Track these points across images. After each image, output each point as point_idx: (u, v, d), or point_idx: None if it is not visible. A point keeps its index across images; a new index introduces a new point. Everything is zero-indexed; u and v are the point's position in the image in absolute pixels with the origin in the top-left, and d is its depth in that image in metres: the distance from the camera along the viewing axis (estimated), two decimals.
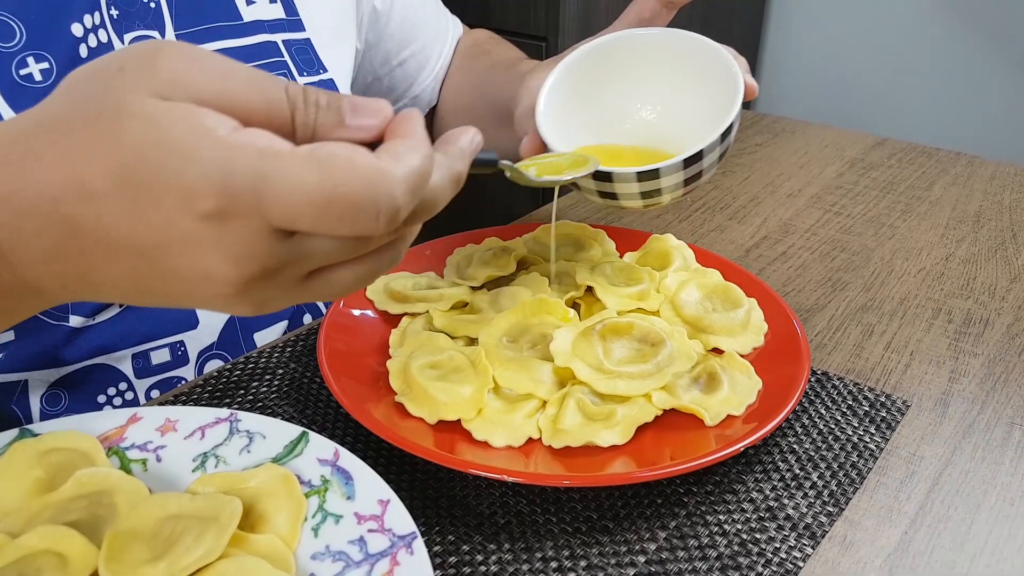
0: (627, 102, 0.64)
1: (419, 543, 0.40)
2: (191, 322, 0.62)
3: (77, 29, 0.54)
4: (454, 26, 0.86)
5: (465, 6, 1.50)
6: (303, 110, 0.32)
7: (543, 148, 0.59)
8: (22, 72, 0.52)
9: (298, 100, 0.32)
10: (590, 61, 0.63)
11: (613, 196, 0.57)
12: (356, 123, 0.33)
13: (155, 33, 0.59)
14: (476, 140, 0.38)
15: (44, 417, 0.57)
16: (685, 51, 0.61)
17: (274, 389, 0.57)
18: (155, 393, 0.61)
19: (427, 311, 0.61)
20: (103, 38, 0.56)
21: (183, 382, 0.62)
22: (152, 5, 0.59)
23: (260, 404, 0.55)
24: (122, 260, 0.32)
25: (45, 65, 0.53)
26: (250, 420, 0.48)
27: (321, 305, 0.73)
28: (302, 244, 0.31)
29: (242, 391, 0.57)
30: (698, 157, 0.55)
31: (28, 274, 0.33)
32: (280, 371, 0.59)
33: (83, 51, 0.54)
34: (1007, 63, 1.66)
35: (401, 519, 0.41)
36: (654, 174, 0.55)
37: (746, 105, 0.58)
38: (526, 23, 1.45)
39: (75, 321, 0.57)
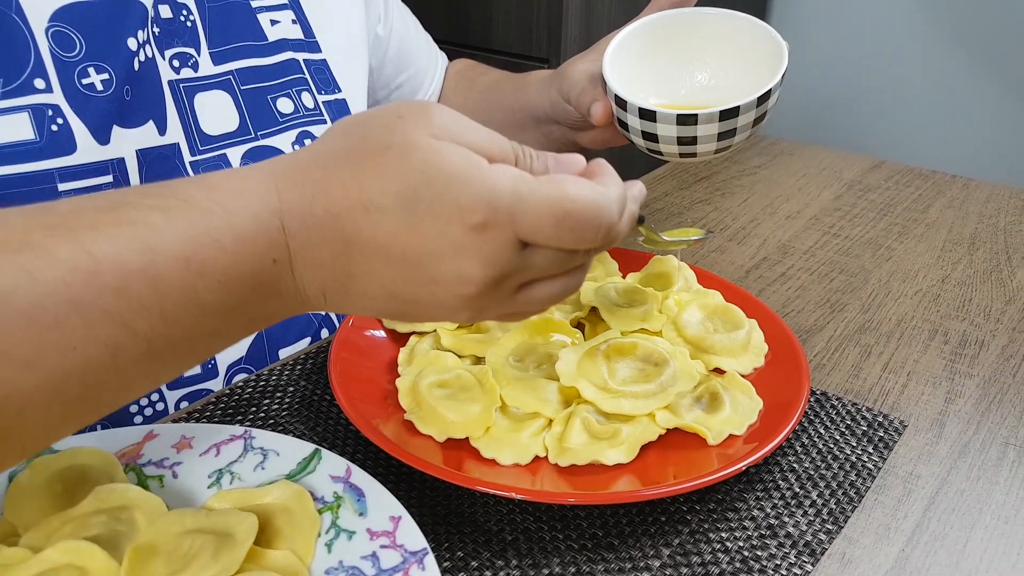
0: (680, 69, 0.69)
1: (430, 559, 0.41)
2: None
3: (132, 43, 0.57)
4: (442, 56, 0.91)
5: (468, 30, 1.53)
6: (523, 158, 0.40)
7: (611, 111, 0.64)
8: (84, 81, 0.55)
9: (519, 151, 0.40)
10: (647, 32, 0.67)
11: (693, 141, 0.61)
12: (559, 169, 0.41)
13: (191, 50, 0.62)
14: (643, 191, 0.45)
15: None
16: (729, 26, 0.67)
17: (285, 406, 0.58)
18: (184, 404, 0.63)
19: (434, 330, 0.62)
20: (148, 53, 0.59)
21: (211, 394, 0.63)
22: (189, 24, 0.63)
23: (272, 421, 0.57)
24: (388, 268, 0.38)
25: (105, 76, 0.56)
26: (264, 437, 0.49)
27: (335, 320, 0.75)
28: (531, 255, 0.38)
29: (254, 408, 0.58)
30: (734, 112, 0.59)
31: (303, 280, 0.39)
32: (291, 388, 0.60)
33: (136, 64, 0.57)
34: (1003, 87, 1.68)
35: (412, 535, 0.42)
36: (692, 119, 0.59)
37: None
38: (528, 45, 1.47)
39: None
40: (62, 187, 0.53)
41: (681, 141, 0.61)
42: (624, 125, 0.63)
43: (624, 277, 0.70)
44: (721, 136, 0.60)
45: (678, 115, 0.59)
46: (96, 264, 0.34)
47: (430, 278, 0.38)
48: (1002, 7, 1.63)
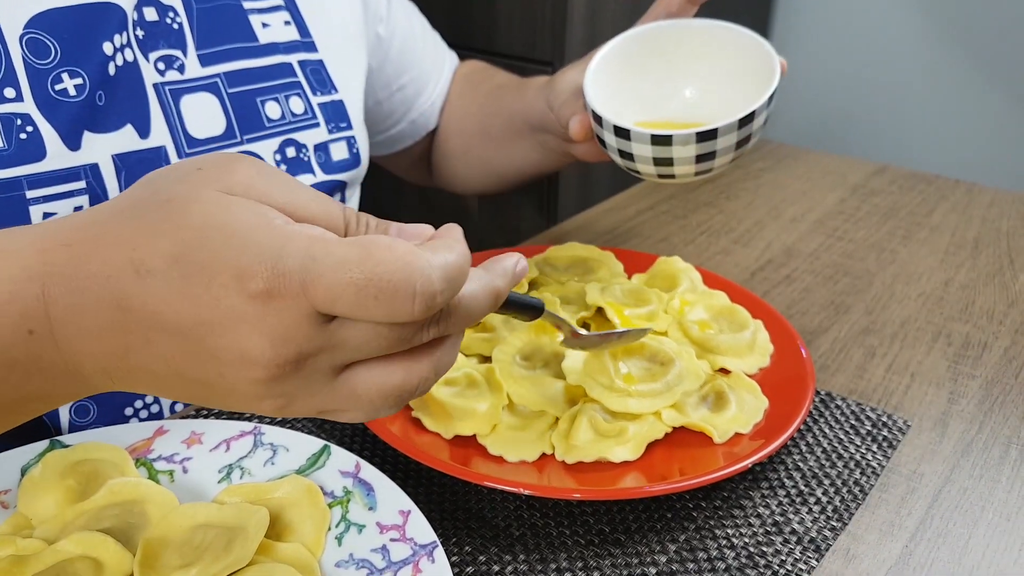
0: (666, 84, 0.67)
1: (440, 552, 0.41)
2: None
3: (108, 48, 0.57)
4: (451, 57, 0.90)
5: (471, 32, 1.53)
6: (354, 228, 0.35)
7: (590, 127, 0.62)
8: (57, 87, 0.54)
9: (351, 219, 0.35)
10: (634, 45, 0.66)
11: (669, 162, 0.58)
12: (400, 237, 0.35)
13: (178, 52, 0.62)
14: (520, 265, 0.39)
15: (73, 427, 0.58)
16: (719, 37, 0.64)
17: None
18: (179, 407, 0.63)
19: None
20: (129, 57, 0.58)
21: None
22: (175, 27, 0.62)
23: (279, 419, 0.57)
24: (164, 340, 0.33)
25: (79, 81, 0.55)
26: (273, 433, 0.50)
27: None
28: (339, 330, 0.32)
29: None
30: (713, 135, 0.56)
31: (72, 352, 0.34)
32: None
33: (111, 69, 0.57)
34: (1006, 92, 1.69)
35: (422, 529, 0.43)
36: (712, 134, 0.56)
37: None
38: (532, 48, 1.48)
39: None
40: (30, 194, 0.53)
41: (657, 162, 0.58)
42: (603, 142, 0.61)
43: (630, 278, 0.71)
44: (700, 159, 0.57)
45: (652, 135, 0.57)
46: None
47: (210, 355, 0.33)
48: (1005, 14, 1.64)
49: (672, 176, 0.59)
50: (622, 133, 0.58)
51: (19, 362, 0.34)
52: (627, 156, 0.59)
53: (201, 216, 0.32)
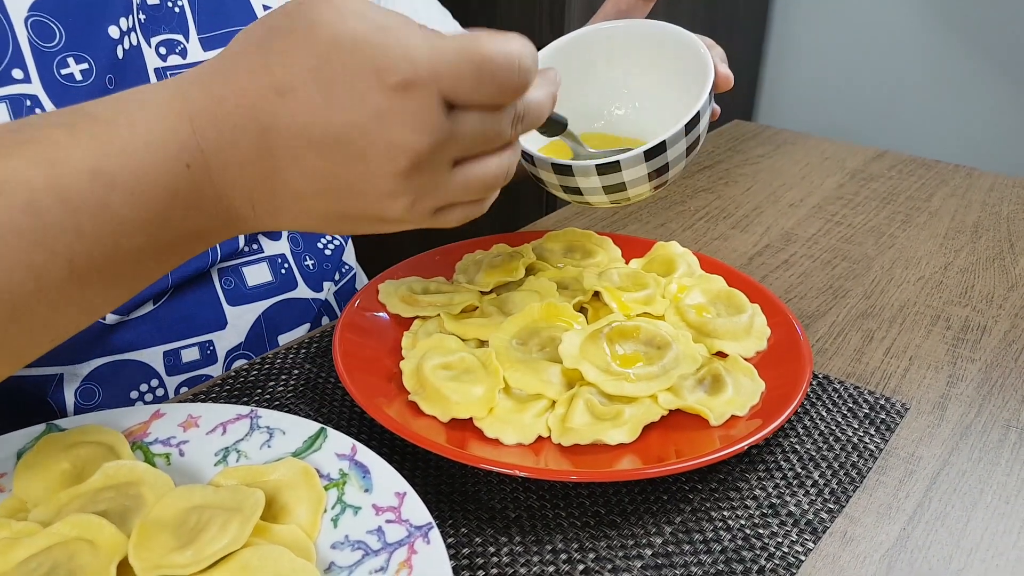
0: (602, 97, 0.64)
1: (435, 533, 0.41)
2: (220, 323, 0.64)
3: (114, 31, 0.57)
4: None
5: (470, 19, 1.53)
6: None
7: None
8: (63, 72, 0.55)
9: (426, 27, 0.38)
10: (564, 55, 0.62)
11: (622, 187, 0.55)
12: None
13: (179, 36, 0.62)
14: (559, 76, 0.44)
15: (79, 410, 0.58)
16: (658, 41, 0.60)
17: (291, 388, 0.59)
18: (184, 390, 0.63)
19: (438, 314, 0.62)
20: (133, 41, 0.58)
21: (216, 376, 0.64)
22: (177, 10, 0.62)
23: (277, 403, 0.57)
24: (312, 154, 0.36)
25: (85, 66, 0.55)
26: (270, 416, 0.50)
27: (337, 310, 0.75)
28: (459, 122, 0.37)
29: (259, 390, 0.58)
30: (661, 148, 0.52)
31: (224, 183, 0.38)
32: (296, 371, 0.60)
33: (119, 53, 0.57)
34: (1005, 76, 1.68)
35: (417, 510, 0.43)
36: (615, 167, 0.53)
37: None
38: (531, 35, 1.48)
39: (109, 318, 0.58)
40: None
41: (609, 190, 0.55)
42: (540, 180, 0.58)
43: (627, 263, 0.71)
44: (653, 175, 0.54)
45: (596, 165, 0.53)
46: (2, 184, 0.34)
47: (358, 154, 0.36)
48: (1005, 0, 1.63)
49: (627, 199, 0.56)
50: (562, 169, 0.55)
51: (180, 196, 0.37)
52: (573, 191, 0.56)
53: (329, 31, 0.35)
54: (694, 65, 0.57)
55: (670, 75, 0.60)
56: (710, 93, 0.54)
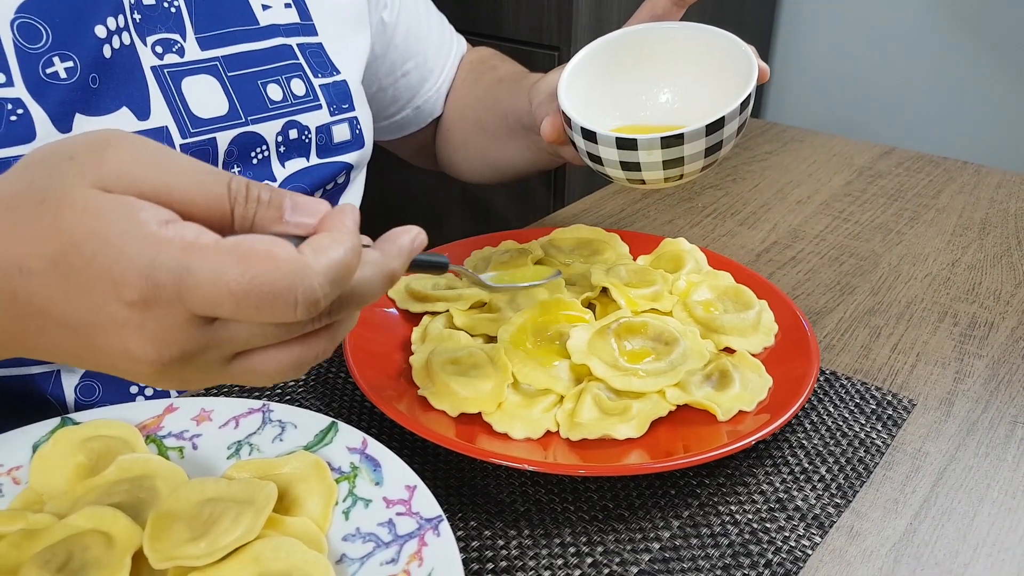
0: (646, 88, 0.66)
1: (445, 526, 0.42)
2: None
3: (101, 31, 0.56)
4: (458, 43, 0.89)
5: (478, 17, 1.53)
6: (243, 205, 0.34)
7: (563, 129, 0.61)
8: (48, 71, 0.54)
9: (239, 196, 0.34)
10: (610, 50, 0.65)
11: (637, 167, 0.57)
12: (295, 220, 0.35)
13: (176, 36, 0.61)
14: (418, 240, 0.39)
15: (79, 406, 0.59)
16: (700, 41, 0.63)
17: (300, 383, 0.59)
18: None
19: (447, 310, 0.63)
20: (126, 40, 0.58)
21: None
22: (173, 10, 0.62)
23: (288, 397, 0.58)
24: (56, 332, 0.34)
25: (70, 64, 0.55)
26: (282, 411, 0.50)
27: None
28: (223, 330, 0.33)
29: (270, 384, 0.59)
30: (720, 124, 0.55)
31: None
32: None
33: (107, 51, 0.57)
34: (1013, 73, 1.68)
35: (428, 503, 0.43)
36: (678, 140, 0.55)
37: (756, 109, 0.60)
38: (538, 33, 1.48)
39: None
40: None
41: (625, 166, 0.57)
42: (574, 144, 0.60)
43: (635, 259, 0.71)
44: (667, 164, 0.56)
45: (617, 138, 0.56)
46: None
47: (97, 348, 0.34)
48: None
49: (642, 181, 0.58)
50: (589, 136, 0.57)
51: None
52: (596, 160, 0.59)
53: (73, 222, 0.31)
54: (736, 60, 0.60)
55: (713, 71, 0.63)
56: (743, 103, 0.57)
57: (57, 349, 0.35)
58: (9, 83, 0.53)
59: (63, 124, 0.55)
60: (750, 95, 0.57)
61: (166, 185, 0.33)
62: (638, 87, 0.66)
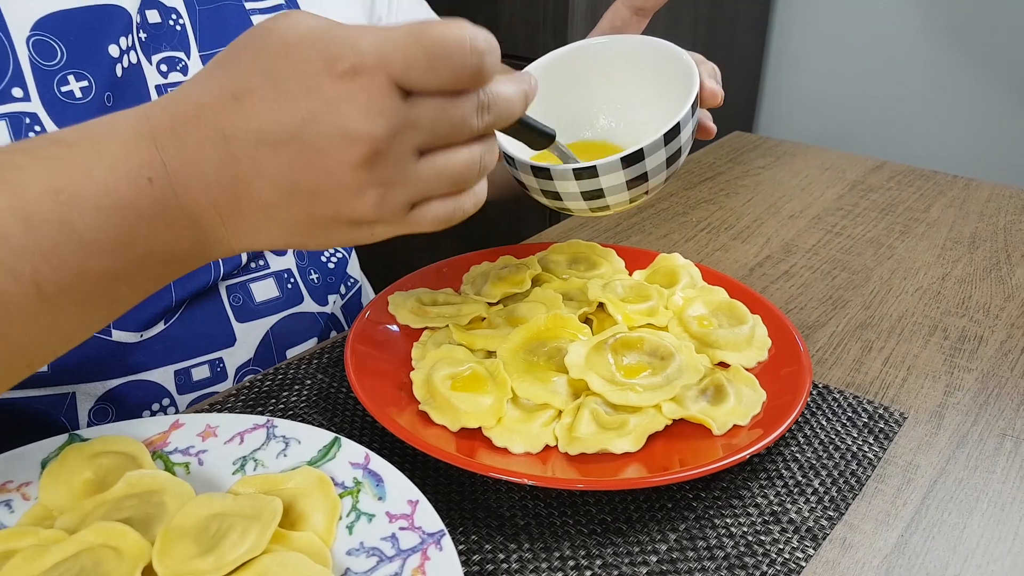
0: (590, 108, 0.65)
1: (447, 540, 0.43)
2: (229, 340, 0.66)
3: (114, 50, 0.58)
4: None
5: (474, 15, 1.55)
6: None
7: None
8: (63, 89, 0.56)
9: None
10: (555, 68, 0.63)
11: (600, 194, 0.55)
12: None
13: (181, 54, 0.63)
14: (535, 83, 0.43)
15: (90, 427, 0.60)
16: (648, 57, 0.61)
17: (303, 399, 0.60)
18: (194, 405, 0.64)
19: (447, 325, 0.64)
20: (133, 60, 0.59)
21: (231, 387, 0.65)
22: (178, 28, 0.63)
23: (291, 413, 0.59)
24: (271, 156, 0.37)
25: (85, 83, 0.56)
26: (285, 426, 0.51)
27: (344, 323, 0.76)
28: (415, 106, 0.37)
29: (273, 400, 0.60)
30: (639, 156, 0.53)
31: (189, 197, 0.38)
32: (308, 382, 0.62)
33: (119, 71, 0.58)
34: (1003, 87, 1.70)
35: (430, 518, 0.44)
36: (592, 171, 0.53)
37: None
38: (534, 48, 1.49)
39: (119, 336, 0.60)
40: None
41: (587, 196, 0.55)
42: (522, 183, 0.58)
43: (631, 274, 0.72)
44: (631, 183, 0.54)
45: (574, 169, 0.54)
46: None
47: (317, 148, 0.36)
48: (1004, 10, 1.64)
49: (607, 207, 0.56)
50: (541, 173, 0.55)
51: (145, 213, 0.38)
52: (552, 196, 0.56)
53: (281, 36, 0.36)
54: (683, 79, 0.58)
55: (662, 90, 0.61)
56: (692, 105, 0.55)
57: (268, 190, 0.38)
58: (26, 98, 0.54)
59: None
60: (678, 124, 0.54)
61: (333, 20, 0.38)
62: (583, 107, 0.64)
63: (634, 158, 0.53)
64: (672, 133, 0.54)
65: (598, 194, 0.55)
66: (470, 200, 0.41)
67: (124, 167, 0.37)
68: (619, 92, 0.64)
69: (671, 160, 0.55)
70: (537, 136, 0.49)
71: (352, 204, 0.38)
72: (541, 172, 0.55)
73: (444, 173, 0.39)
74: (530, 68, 0.62)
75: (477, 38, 0.37)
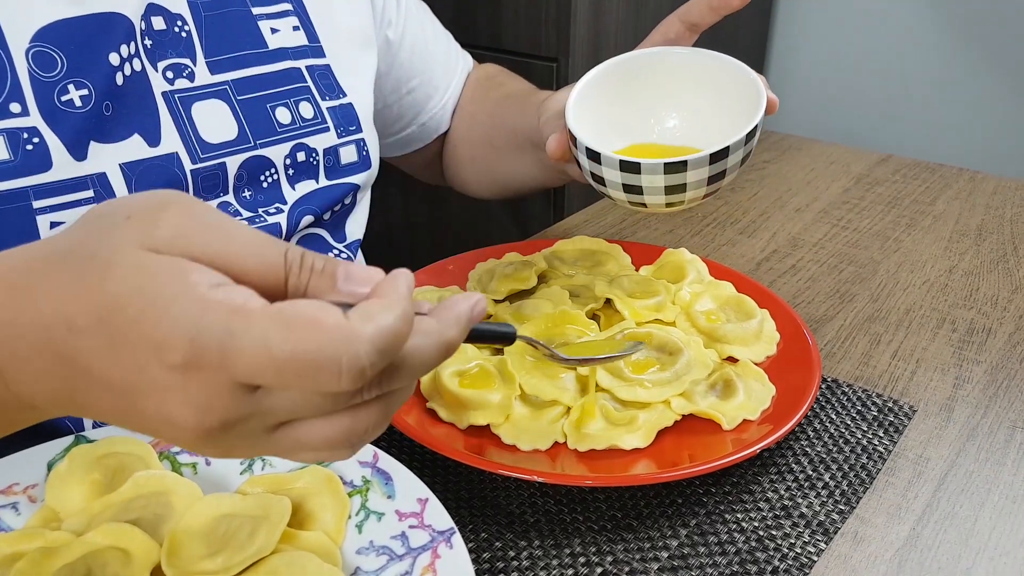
0: (655, 111, 0.67)
1: (457, 538, 0.43)
2: None
3: (114, 58, 0.57)
4: (464, 60, 0.89)
5: (476, 29, 1.54)
6: (297, 274, 0.33)
7: (568, 147, 0.62)
8: (63, 98, 0.55)
9: (294, 264, 0.33)
10: (620, 71, 0.65)
11: (639, 190, 0.57)
12: (347, 289, 0.34)
13: (187, 60, 0.62)
14: (478, 308, 0.37)
15: (96, 428, 0.59)
16: (710, 68, 0.64)
17: None
18: None
19: None
20: (137, 67, 0.59)
21: None
22: (183, 34, 0.62)
23: None
24: (100, 393, 0.33)
25: (84, 92, 0.56)
26: None
27: None
28: (266, 398, 0.32)
29: None
30: (724, 154, 0.55)
31: (22, 391, 0.35)
32: None
33: (119, 79, 0.57)
34: (1009, 81, 1.69)
35: (439, 516, 0.44)
36: (681, 166, 0.55)
37: None
38: (537, 45, 1.49)
39: None
40: (37, 204, 0.53)
41: (627, 189, 0.57)
42: (579, 163, 0.60)
43: (638, 270, 0.72)
44: (669, 190, 0.56)
45: (620, 161, 0.56)
46: None
47: (140, 411, 0.33)
48: (1009, 2, 1.64)
49: (644, 205, 0.58)
50: (593, 156, 0.57)
51: None
52: (599, 180, 0.58)
53: (120, 280, 0.31)
54: (745, 90, 0.60)
55: (722, 99, 0.63)
56: (749, 133, 0.57)
57: (102, 409, 0.34)
58: (25, 112, 0.53)
59: (78, 152, 0.55)
60: (757, 126, 0.57)
61: (221, 250, 0.32)
62: (647, 110, 0.66)
63: (720, 155, 0.55)
64: (751, 133, 0.56)
65: (680, 188, 0.56)
66: (357, 450, 0.36)
67: None
68: (685, 99, 0.66)
69: (744, 160, 0.57)
70: (497, 340, 0.43)
71: (191, 448, 0.34)
72: (630, 166, 0.56)
73: (309, 444, 0.34)
74: (598, 68, 0.64)
75: (354, 354, 0.30)
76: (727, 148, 0.55)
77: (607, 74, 0.65)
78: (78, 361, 0.33)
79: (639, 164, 0.55)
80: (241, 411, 0.32)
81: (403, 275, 0.34)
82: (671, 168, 0.55)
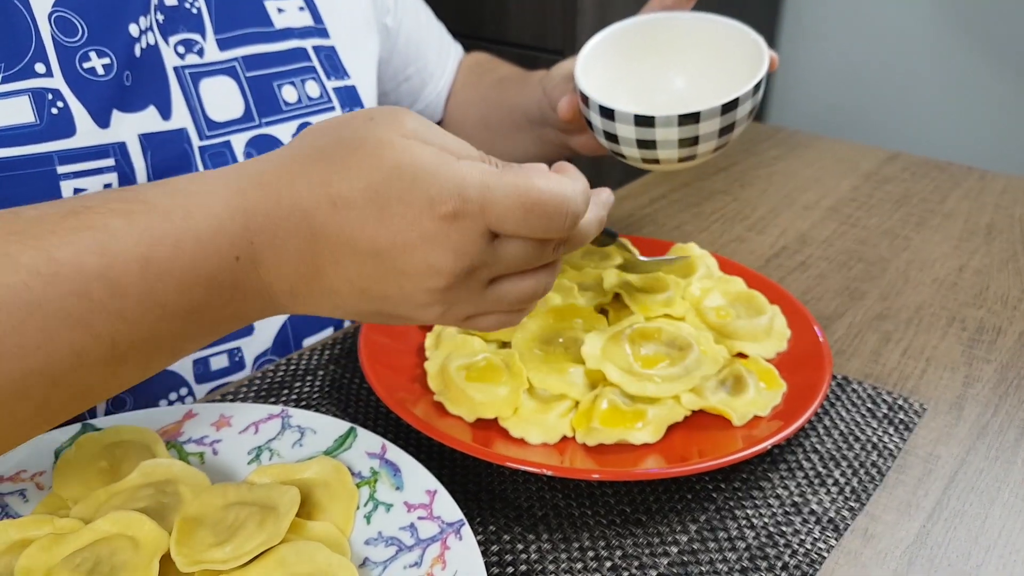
0: (661, 73, 0.68)
1: (467, 529, 0.42)
2: (248, 329, 0.65)
3: (134, 30, 0.58)
4: (455, 48, 0.92)
5: (482, 22, 1.54)
6: (489, 163, 0.41)
7: (579, 108, 0.63)
8: (85, 65, 0.56)
9: (486, 158, 0.41)
10: (625, 36, 0.66)
11: (652, 144, 0.59)
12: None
13: (197, 36, 0.63)
14: (610, 198, 0.47)
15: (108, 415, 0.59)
16: (714, 32, 0.65)
17: (316, 389, 0.60)
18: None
19: None
20: (151, 40, 0.60)
21: (244, 377, 0.65)
22: (194, 12, 0.63)
23: (304, 403, 0.58)
24: (356, 263, 0.39)
25: (107, 60, 0.56)
26: (300, 416, 0.51)
27: None
28: (501, 248, 0.39)
29: (286, 391, 0.59)
30: (734, 105, 0.57)
31: (268, 276, 0.40)
32: (321, 372, 0.61)
33: (137, 51, 0.58)
34: (1018, 78, 1.68)
35: (449, 508, 0.44)
36: (694, 118, 0.57)
37: (761, 114, 0.62)
38: (543, 38, 1.48)
39: None
40: (61, 169, 0.54)
41: (641, 144, 0.59)
42: (590, 124, 0.62)
43: None
44: (683, 143, 0.59)
45: (635, 115, 0.58)
46: (57, 267, 0.35)
47: (399, 270, 0.38)
48: (1017, 1, 1.63)
49: (656, 160, 0.60)
50: (607, 113, 0.59)
51: (225, 285, 0.39)
52: (612, 138, 0.60)
53: (392, 157, 0.37)
54: (747, 49, 0.62)
55: (726, 61, 0.65)
56: (756, 84, 0.59)
57: (343, 285, 0.40)
58: (49, 74, 0.54)
59: (102, 119, 0.56)
60: (762, 79, 0.58)
61: (444, 142, 0.40)
62: (653, 73, 0.68)
63: (731, 106, 0.58)
64: (757, 86, 0.58)
65: (692, 141, 0.59)
66: (524, 316, 0.45)
67: (213, 244, 0.38)
68: (691, 61, 0.68)
69: (723, 131, 0.59)
70: (603, 238, 0.55)
71: (416, 313, 0.41)
72: (644, 120, 0.58)
73: (509, 297, 0.42)
74: (598, 37, 0.66)
75: (577, 203, 0.39)
76: (736, 100, 0.57)
77: (613, 39, 0.66)
78: (340, 235, 0.38)
79: (653, 118, 0.57)
80: (483, 257, 0.39)
81: (570, 164, 0.43)
82: (684, 120, 0.57)
